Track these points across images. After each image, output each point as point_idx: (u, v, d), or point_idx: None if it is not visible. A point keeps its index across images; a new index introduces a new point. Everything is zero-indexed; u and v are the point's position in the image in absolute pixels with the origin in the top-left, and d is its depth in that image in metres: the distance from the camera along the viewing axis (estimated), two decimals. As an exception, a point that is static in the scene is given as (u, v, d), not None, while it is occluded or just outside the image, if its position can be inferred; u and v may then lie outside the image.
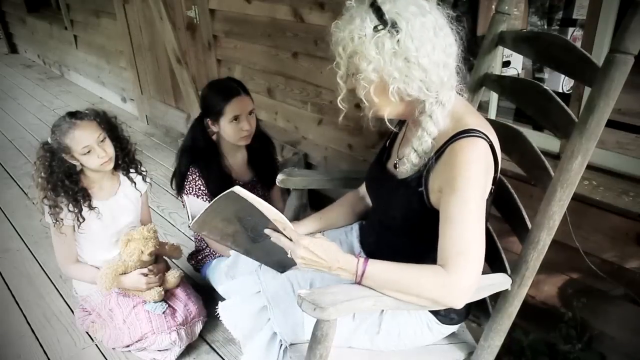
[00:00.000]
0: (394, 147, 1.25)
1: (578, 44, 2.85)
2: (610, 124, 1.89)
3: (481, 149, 0.98)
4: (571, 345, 1.49)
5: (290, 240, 1.04)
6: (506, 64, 2.51)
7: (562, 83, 2.80)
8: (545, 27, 2.97)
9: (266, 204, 1.04)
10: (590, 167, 1.53)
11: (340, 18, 1.00)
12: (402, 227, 1.16)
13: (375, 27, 0.95)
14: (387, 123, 1.05)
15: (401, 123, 1.26)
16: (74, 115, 1.64)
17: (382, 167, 1.24)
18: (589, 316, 1.52)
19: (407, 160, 1.08)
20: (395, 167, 1.18)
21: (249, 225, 1.12)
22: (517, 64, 2.62)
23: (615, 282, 1.45)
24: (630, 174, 1.48)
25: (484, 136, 0.99)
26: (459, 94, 1.08)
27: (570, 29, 2.90)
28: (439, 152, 1.02)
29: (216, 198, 1.06)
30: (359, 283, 1.01)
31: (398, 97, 1.00)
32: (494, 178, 1.04)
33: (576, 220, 1.41)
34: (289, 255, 1.06)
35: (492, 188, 1.05)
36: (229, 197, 1.03)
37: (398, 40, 0.94)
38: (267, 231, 1.08)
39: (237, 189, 1.02)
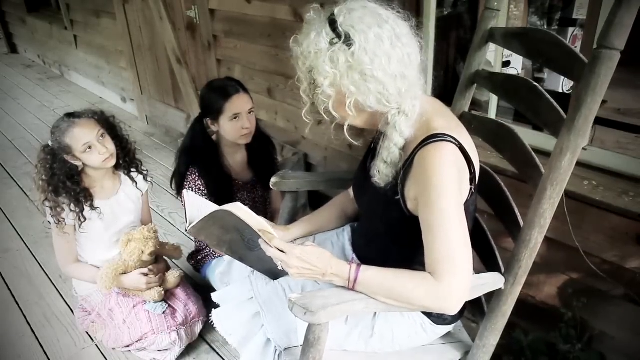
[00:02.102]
0: (377, 151, 1.24)
1: (578, 44, 2.86)
2: (610, 124, 1.91)
3: (449, 153, 0.96)
4: (571, 345, 1.49)
5: (283, 252, 1.03)
6: (506, 64, 2.51)
7: (562, 83, 2.81)
8: (545, 27, 2.97)
9: (261, 220, 1.04)
10: (590, 167, 1.53)
11: (299, 32, 1.00)
12: (385, 234, 1.15)
13: (331, 40, 0.94)
14: (347, 136, 1.03)
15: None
16: (72, 115, 1.65)
17: (366, 172, 1.22)
18: (589, 316, 1.52)
19: (377, 172, 1.07)
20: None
21: (246, 236, 1.12)
22: (517, 64, 2.62)
23: (615, 282, 1.44)
24: (630, 174, 1.47)
25: (450, 139, 0.97)
26: (430, 92, 1.07)
27: (570, 29, 2.90)
28: (409, 159, 1.01)
29: (214, 210, 1.05)
30: (352, 289, 1.00)
31: (356, 110, 0.99)
32: (472, 178, 1.03)
33: (576, 220, 1.41)
34: (279, 268, 1.05)
35: (471, 188, 1.03)
36: (227, 213, 1.03)
37: (352, 54, 0.93)
38: (262, 245, 1.07)
39: (235, 209, 1.01)
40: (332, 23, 0.94)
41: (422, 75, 1.03)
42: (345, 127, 1.03)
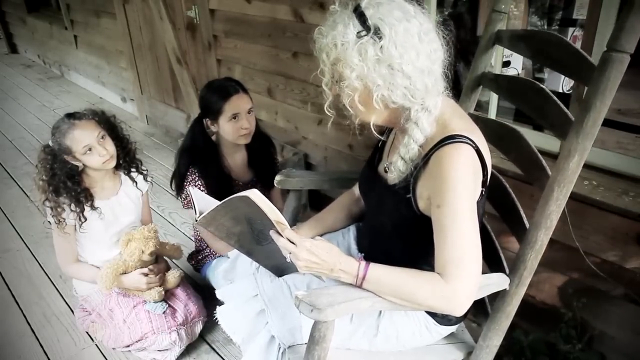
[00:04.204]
0: (385, 149, 1.23)
1: (578, 44, 2.86)
2: (610, 124, 1.91)
3: (467, 155, 0.96)
4: (571, 345, 1.49)
5: (293, 243, 1.03)
6: (506, 64, 2.51)
7: (562, 83, 2.81)
8: (545, 27, 2.97)
9: (276, 210, 1.04)
10: (590, 167, 1.53)
11: (323, 24, 0.98)
12: (393, 233, 1.15)
13: (359, 33, 0.93)
14: (373, 131, 1.03)
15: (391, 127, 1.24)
16: (72, 116, 1.64)
17: (374, 171, 1.23)
18: (589, 316, 1.52)
19: (394, 168, 1.07)
20: (385, 170, 1.16)
21: (256, 228, 1.11)
22: (517, 64, 2.63)
23: (615, 282, 1.45)
24: (630, 174, 1.48)
25: (469, 141, 0.97)
26: (447, 93, 1.06)
27: (570, 29, 2.90)
28: (425, 159, 1.01)
29: (229, 198, 1.04)
30: (359, 286, 1.00)
31: (382, 104, 0.98)
32: (484, 181, 1.03)
33: (576, 220, 1.41)
34: (288, 260, 1.05)
35: (482, 190, 1.04)
36: (242, 200, 1.03)
37: (381, 47, 0.92)
38: (272, 234, 1.06)
39: (253, 195, 1.01)
40: (361, 15, 0.93)
41: (445, 72, 1.02)
42: (371, 122, 1.02)
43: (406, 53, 0.93)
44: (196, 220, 1.14)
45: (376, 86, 0.95)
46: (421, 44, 0.94)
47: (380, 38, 0.92)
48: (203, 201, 1.20)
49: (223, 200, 1.06)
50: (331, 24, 0.96)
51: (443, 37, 1.00)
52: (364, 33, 0.92)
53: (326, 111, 1.05)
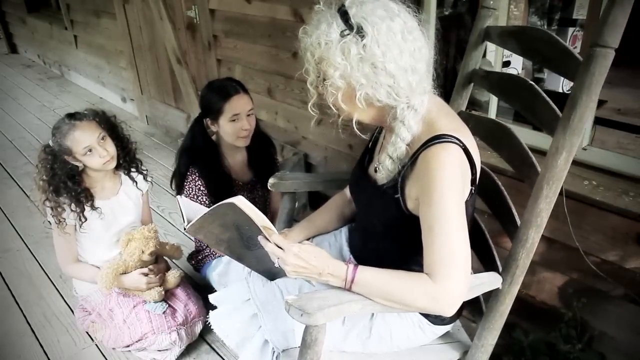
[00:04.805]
0: (376, 150, 1.23)
1: (578, 44, 2.85)
2: (610, 124, 1.91)
3: (454, 155, 0.96)
4: (571, 345, 1.49)
5: (281, 248, 1.03)
6: (506, 64, 2.51)
7: (562, 83, 2.80)
8: (545, 27, 2.97)
9: (263, 215, 1.04)
10: (590, 167, 1.53)
11: (308, 23, 0.98)
12: (383, 233, 1.15)
13: (342, 32, 0.93)
14: (355, 129, 1.02)
15: (381, 127, 1.23)
16: (72, 116, 1.64)
17: (364, 171, 1.22)
18: (589, 316, 1.52)
19: (382, 167, 1.07)
20: (375, 171, 1.15)
21: (245, 234, 1.12)
22: (517, 64, 2.62)
23: (615, 282, 1.45)
24: (630, 174, 1.48)
25: (456, 141, 0.96)
26: (433, 91, 1.06)
27: (570, 29, 2.90)
28: (413, 158, 1.01)
29: (216, 205, 1.05)
30: (349, 289, 1.00)
31: (366, 103, 0.97)
32: (473, 180, 1.03)
33: (576, 220, 1.41)
34: (276, 265, 1.05)
35: (472, 189, 1.03)
36: (229, 207, 1.03)
37: (364, 46, 0.92)
38: (260, 240, 1.06)
39: (239, 202, 1.01)
40: (344, 14, 0.93)
41: (430, 71, 1.02)
42: (354, 121, 1.02)
43: (389, 51, 0.92)
44: (185, 229, 1.14)
45: (359, 85, 0.95)
46: (404, 43, 0.94)
47: (362, 37, 0.92)
48: (191, 209, 1.20)
49: (210, 208, 1.06)
50: (315, 23, 0.97)
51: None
52: (347, 32, 0.93)
53: (310, 110, 1.05)
